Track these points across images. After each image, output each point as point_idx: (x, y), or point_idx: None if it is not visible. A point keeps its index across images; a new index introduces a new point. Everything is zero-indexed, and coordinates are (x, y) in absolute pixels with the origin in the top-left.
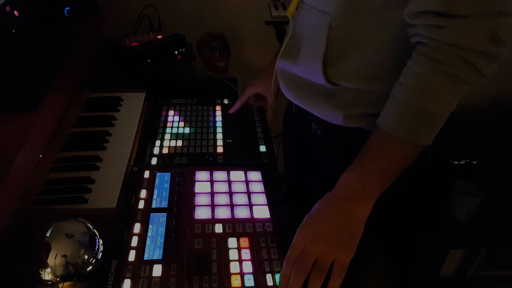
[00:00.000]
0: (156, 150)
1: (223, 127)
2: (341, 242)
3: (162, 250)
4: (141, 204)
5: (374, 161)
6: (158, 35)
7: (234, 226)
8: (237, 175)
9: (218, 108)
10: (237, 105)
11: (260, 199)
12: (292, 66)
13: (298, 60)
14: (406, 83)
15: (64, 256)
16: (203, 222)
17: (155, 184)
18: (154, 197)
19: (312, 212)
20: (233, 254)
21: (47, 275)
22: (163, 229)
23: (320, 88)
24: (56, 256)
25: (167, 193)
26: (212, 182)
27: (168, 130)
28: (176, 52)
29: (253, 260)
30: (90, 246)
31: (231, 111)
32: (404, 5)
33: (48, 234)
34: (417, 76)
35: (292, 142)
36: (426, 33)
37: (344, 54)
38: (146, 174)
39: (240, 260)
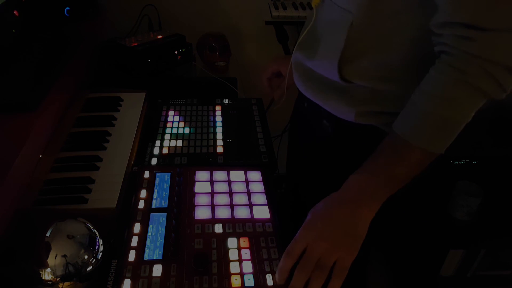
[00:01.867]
0: (156, 150)
1: (223, 127)
2: (344, 243)
3: (162, 250)
4: (141, 204)
5: (387, 166)
6: (158, 35)
7: (234, 226)
8: (237, 175)
9: (218, 108)
10: (266, 83)
11: (260, 199)
12: (308, 60)
13: (315, 54)
14: (428, 91)
15: (64, 256)
16: (203, 222)
17: (155, 184)
18: (154, 197)
19: (318, 211)
20: (233, 254)
21: (47, 275)
22: (163, 229)
23: (334, 84)
24: (56, 256)
25: (167, 193)
26: (212, 182)
27: (168, 130)
28: (176, 52)
29: (253, 260)
30: (90, 246)
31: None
32: (424, 10)
33: (48, 234)
34: (440, 84)
35: (300, 139)
36: (452, 43)
37: (360, 53)
38: (146, 174)
39: (240, 260)
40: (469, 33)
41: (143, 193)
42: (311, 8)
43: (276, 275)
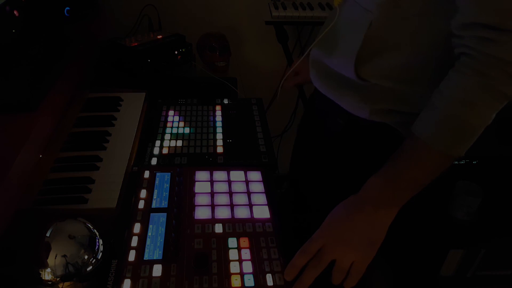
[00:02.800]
0: (156, 150)
1: (223, 127)
2: (362, 248)
3: (162, 250)
4: (141, 204)
5: (407, 170)
6: (158, 35)
7: (234, 226)
8: (237, 175)
9: (218, 108)
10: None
11: (260, 199)
12: (325, 57)
13: (333, 52)
14: (449, 94)
15: (64, 256)
16: (203, 222)
17: (155, 184)
18: (154, 197)
19: (337, 213)
20: (233, 254)
21: (47, 275)
22: (163, 229)
23: (350, 81)
24: (56, 256)
25: (167, 193)
26: (212, 182)
27: (168, 130)
28: (176, 52)
29: (253, 260)
30: (90, 246)
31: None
32: (444, 13)
33: (48, 234)
34: (461, 87)
35: (310, 135)
36: (474, 45)
37: (377, 53)
38: (146, 174)
39: (240, 260)
40: (491, 35)
41: (143, 193)
42: (311, 8)
43: (286, 270)
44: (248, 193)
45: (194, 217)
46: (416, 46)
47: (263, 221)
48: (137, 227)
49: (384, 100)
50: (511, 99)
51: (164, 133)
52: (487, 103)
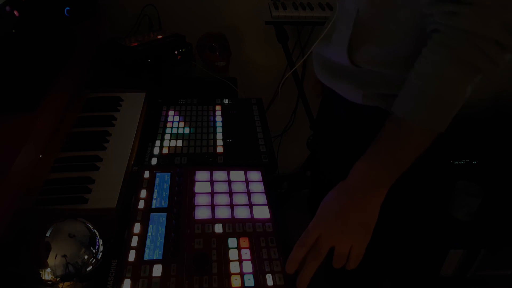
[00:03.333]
0: (156, 150)
1: (223, 127)
2: (357, 232)
3: (162, 250)
4: (141, 204)
5: (389, 149)
6: (158, 35)
7: (234, 226)
8: (237, 175)
9: (218, 108)
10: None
11: (260, 199)
12: (325, 48)
13: (329, 42)
14: (422, 70)
15: (64, 256)
16: (203, 222)
17: (155, 184)
18: (154, 197)
19: (328, 201)
20: (233, 254)
21: (47, 275)
22: (163, 229)
23: (345, 69)
24: (56, 256)
25: (167, 193)
26: (212, 182)
27: (168, 130)
28: (176, 52)
29: (253, 260)
30: (90, 246)
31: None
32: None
33: (48, 234)
34: (433, 63)
35: (323, 127)
36: (441, 20)
37: (366, 41)
38: (146, 174)
39: (240, 260)
40: (457, 8)
41: (143, 193)
42: (311, 8)
43: (287, 265)
44: (248, 193)
45: (194, 217)
46: (402, 34)
47: (263, 221)
48: (137, 227)
49: (375, 85)
50: (483, 72)
51: (164, 133)
52: (459, 77)
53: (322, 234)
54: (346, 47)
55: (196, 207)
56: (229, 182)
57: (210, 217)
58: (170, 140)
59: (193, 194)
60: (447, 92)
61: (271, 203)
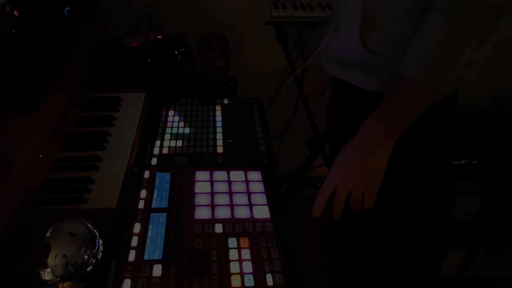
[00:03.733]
0: (156, 150)
1: (223, 127)
2: (368, 179)
3: (162, 250)
4: (141, 204)
5: (394, 106)
6: (158, 35)
7: (234, 226)
8: (237, 175)
9: (218, 108)
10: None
11: (260, 199)
12: (333, 42)
13: (339, 32)
14: (424, 32)
15: (64, 256)
16: (203, 222)
17: (155, 184)
18: (154, 197)
19: (341, 156)
20: (233, 254)
21: (47, 275)
22: (163, 229)
23: (357, 59)
24: (56, 256)
25: (167, 193)
26: (212, 182)
27: (168, 130)
28: (176, 52)
29: (253, 260)
30: (90, 246)
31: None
32: None
33: (48, 234)
34: (433, 25)
35: (336, 113)
36: None
37: (378, 24)
38: (146, 174)
39: (240, 260)
40: None
41: (143, 193)
42: (311, 8)
43: (313, 210)
44: (248, 193)
45: (194, 217)
46: (412, 13)
47: (263, 221)
48: (137, 227)
49: (389, 71)
50: (480, 35)
51: (164, 133)
52: (457, 39)
53: (338, 185)
54: (358, 33)
55: (196, 207)
56: (229, 182)
57: (210, 217)
58: (170, 140)
59: (193, 194)
60: (445, 52)
61: (271, 203)
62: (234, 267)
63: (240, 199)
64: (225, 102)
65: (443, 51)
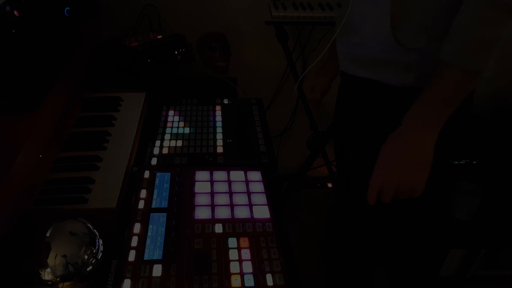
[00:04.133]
0: (156, 150)
1: (223, 127)
2: (415, 172)
3: (162, 250)
4: (141, 204)
5: (436, 92)
6: (158, 35)
7: (234, 226)
8: (237, 175)
9: (218, 108)
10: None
11: (260, 199)
12: (353, 42)
13: (362, 31)
14: (463, 16)
15: (64, 256)
16: (203, 222)
17: (155, 184)
18: (154, 197)
19: (386, 148)
20: (233, 254)
21: (47, 275)
22: (163, 229)
23: (387, 56)
24: (56, 256)
25: (167, 193)
26: (212, 182)
27: (168, 130)
28: (176, 52)
29: (253, 260)
30: (90, 246)
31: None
32: None
33: (48, 234)
34: (469, 9)
35: (348, 116)
36: None
37: (410, 16)
38: (146, 174)
39: (240, 260)
40: None
41: (143, 193)
42: (311, 8)
43: (368, 201)
44: (248, 193)
45: (194, 217)
46: (445, 2)
47: (263, 221)
48: (137, 227)
49: (427, 63)
50: None
51: (164, 133)
52: (496, 18)
53: (384, 180)
54: (389, 26)
55: (196, 207)
56: (229, 182)
57: (210, 217)
58: (170, 140)
59: (193, 194)
60: (485, 33)
61: (271, 203)
62: (234, 267)
63: (240, 199)
64: (225, 102)
65: (483, 31)
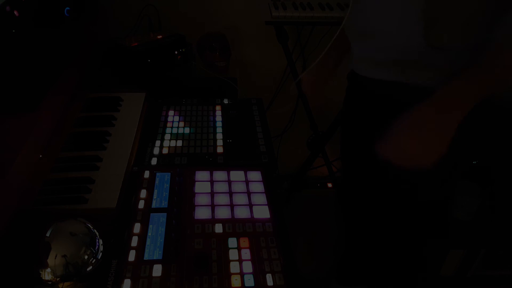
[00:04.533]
0: (156, 150)
1: (223, 127)
2: (435, 143)
3: (162, 250)
4: (141, 204)
5: (477, 74)
6: (158, 35)
7: (234, 226)
8: (237, 175)
9: (218, 108)
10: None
11: (260, 199)
12: (375, 45)
13: (384, 34)
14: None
15: (64, 256)
16: (203, 222)
17: (155, 184)
18: (154, 197)
19: (415, 113)
20: (233, 254)
21: (47, 275)
22: (163, 229)
23: (415, 57)
24: (56, 256)
25: (167, 193)
26: (212, 182)
27: (168, 130)
28: (176, 52)
29: (253, 260)
30: (90, 246)
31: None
32: None
33: (48, 234)
34: None
35: (359, 121)
36: None
37: (444, 14)
38: (146, 174)
39: (240, 260)
40: None
41: (143, 193)
42: (311, 8)
43: (377, 151)
44: (248, 193)
45: (194, 217)
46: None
47: (263, 221)
48: (137, 227)
49: (458, 65)
50: None
51: (164, 133)
52: None
53: (405, 140)
54: (422, 26)
55: (196, 207)
56: (229, 182)
57: (210, 217)
58: (170, 140)
59: (193, 194)
60: None
61: (271, 203)
62: (234, 267)
63: (240, 199)
64: (225, 102)
65: None
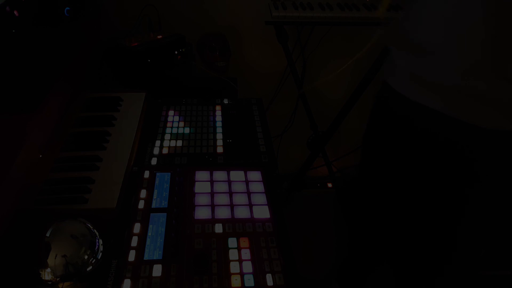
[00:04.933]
0: (156, 150)
1: (223, 127)
2: None
3: (162, 250)
4: (141, 204)
5: None
6: (158, 35)
7: (234, 226)
8: (237, 175)
9: (218, 108)
10: None
11: (260, 199)
12: (430, 59)
13: (437, 52)
14: None
15: (64, 256)
16: (203, 222)
17: (155, 184)
18: (154, 197)
19: None
20: (233, 254)
21: (47, 275)
22: (163, 229)
23: (471, 85)
24: (56, 256)
25: (167, 193)
26: (212, 182)
27: (168, 130)
28: (176, 52)
29: (253, 260)
30: (90, 246)
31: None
32: None
33: (48, 234)
34: None
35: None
36: None
37: None
38: (146, 174)
39: (240, 260)
40: None
41: (143, 193)
42: (311, 8)
43: None
44: (248, 193)
45: (194, 217)
46: None
47: (263, 221)
48: (137, 227)
49: None
50: None
51: (164, 133)
52: None
53: None
54: (484, 56)
55: (196, 207)
56: (229, 182)
57: (210, 217)
58: (170, 140)
59: (193, 194)
60: None
61: (271, 203)
62: (234, 267)
63: (240, 199)
64: (225, 102)
65: None
